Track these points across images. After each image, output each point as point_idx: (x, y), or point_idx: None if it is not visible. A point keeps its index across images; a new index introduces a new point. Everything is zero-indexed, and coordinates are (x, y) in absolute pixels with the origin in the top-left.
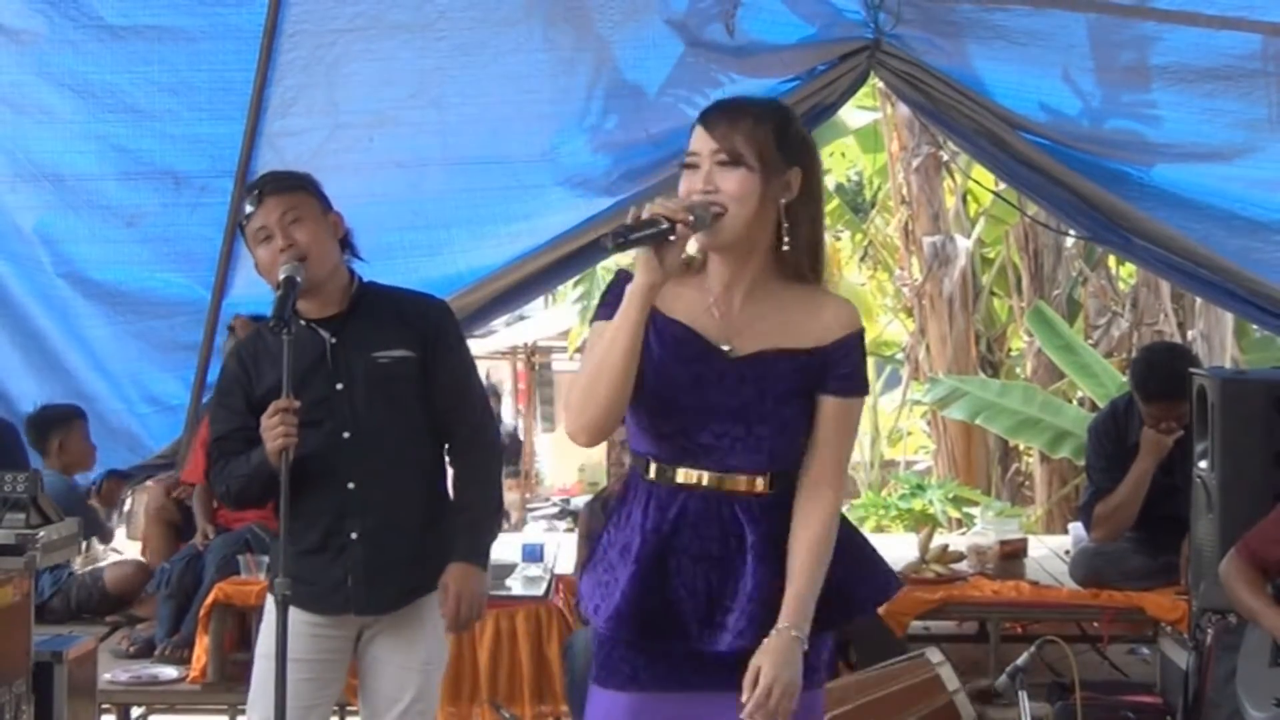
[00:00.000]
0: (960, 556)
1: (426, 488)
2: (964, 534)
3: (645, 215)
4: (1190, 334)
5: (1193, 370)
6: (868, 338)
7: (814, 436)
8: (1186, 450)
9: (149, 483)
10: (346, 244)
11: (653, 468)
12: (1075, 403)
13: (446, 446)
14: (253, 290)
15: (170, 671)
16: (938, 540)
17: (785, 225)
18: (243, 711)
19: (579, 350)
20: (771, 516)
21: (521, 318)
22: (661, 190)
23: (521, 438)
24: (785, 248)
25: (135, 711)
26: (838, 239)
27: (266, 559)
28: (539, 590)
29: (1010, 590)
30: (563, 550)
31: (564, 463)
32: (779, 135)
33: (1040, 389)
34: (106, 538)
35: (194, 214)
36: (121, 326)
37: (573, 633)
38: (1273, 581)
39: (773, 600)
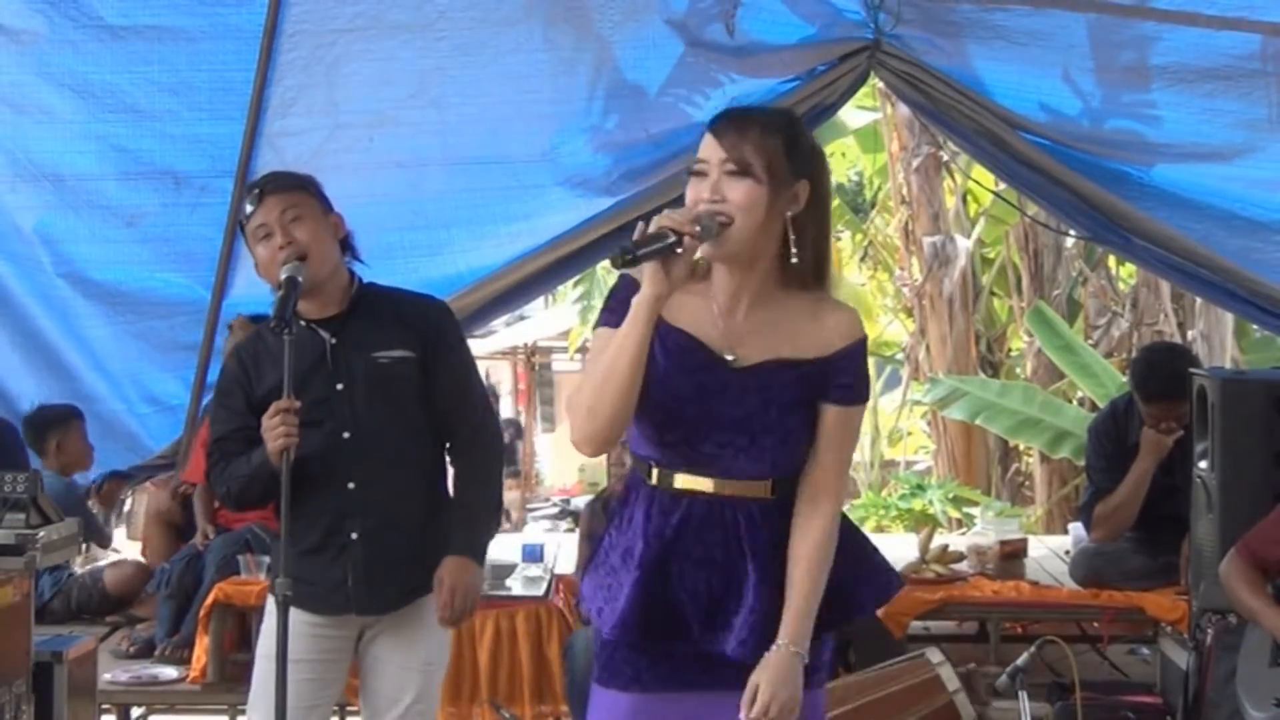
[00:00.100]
0: (960, 556)
1: (427, 488)
2: (964, 534)
3: (652, 229)
4: (1190, 334)
5: (1193, 370)
6: (868, 338)
7: (815, 444)
8: (1186, 450)
9: (149, 485)
10: (347, 245)
11: (655, 473)
12: (1075, 403)
13: (447, 446)
14: (253, 290)
15: (170, 672)
16: (938, 540)
17: (793, 237)
18: (243, 712)
19: (579, 350)
20: (773, 521)
21: (521, 318)
22: (661, 190)
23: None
24: (794, 260)
25: (135, 712)
26: (838, 239)
27: (267, 559)
28: (539, 590)
29: (1010, 590)
30: (563, 550)
31: (564, 463)
32: (788, 147)
33: (1040, 389)
34: (104, 542)
35: (194, 214)
36: (121, 326)
37: (573, 633)
38: (1273, 581)
39: (775, 608)
